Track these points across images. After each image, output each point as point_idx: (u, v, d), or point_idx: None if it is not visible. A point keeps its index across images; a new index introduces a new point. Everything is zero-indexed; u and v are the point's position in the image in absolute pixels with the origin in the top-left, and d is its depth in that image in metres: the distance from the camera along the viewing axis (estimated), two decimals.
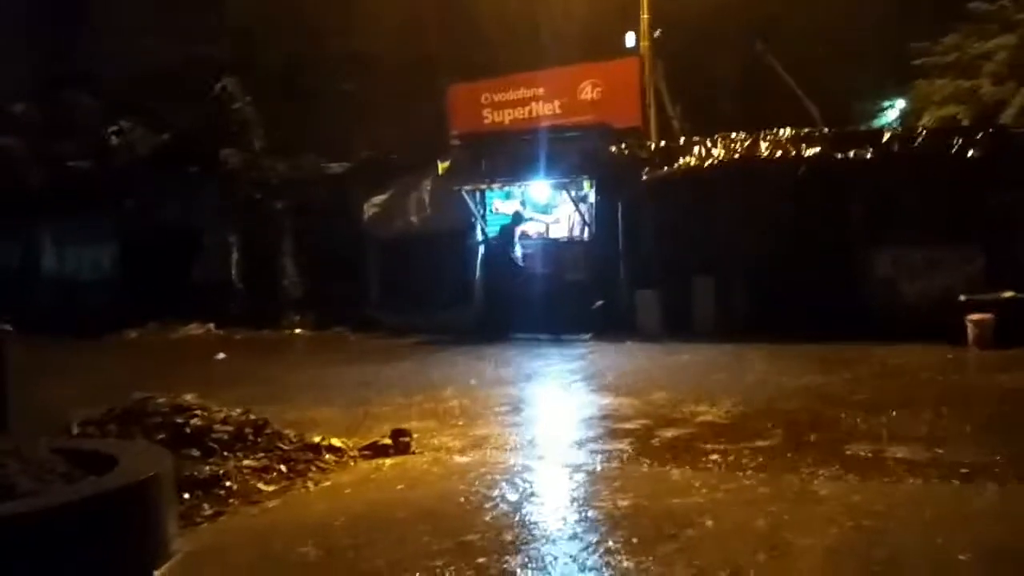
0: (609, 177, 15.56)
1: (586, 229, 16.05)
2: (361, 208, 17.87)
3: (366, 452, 7.45)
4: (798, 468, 6.57)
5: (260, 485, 6.55)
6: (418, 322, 16.50)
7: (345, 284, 17.82)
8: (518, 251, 15.92)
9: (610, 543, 5.24)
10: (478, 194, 16.74)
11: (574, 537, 5.38)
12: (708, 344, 13.11)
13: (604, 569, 4.91)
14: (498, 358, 13.08)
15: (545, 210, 17.28)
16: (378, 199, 17.83)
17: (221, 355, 14.32)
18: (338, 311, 17.45)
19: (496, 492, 6.30)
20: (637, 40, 19.13)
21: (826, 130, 15.00)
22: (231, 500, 6.28)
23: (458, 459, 7.28)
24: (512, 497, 6.18)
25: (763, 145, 14.48)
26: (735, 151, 14.63)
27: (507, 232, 16.14)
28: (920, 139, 13.85)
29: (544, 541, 5.33)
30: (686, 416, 8.51)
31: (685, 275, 14.48)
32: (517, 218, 16.29)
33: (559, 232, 16.77)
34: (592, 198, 16.00)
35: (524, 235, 16.38)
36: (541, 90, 18.30)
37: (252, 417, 7.48)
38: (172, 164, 19.64)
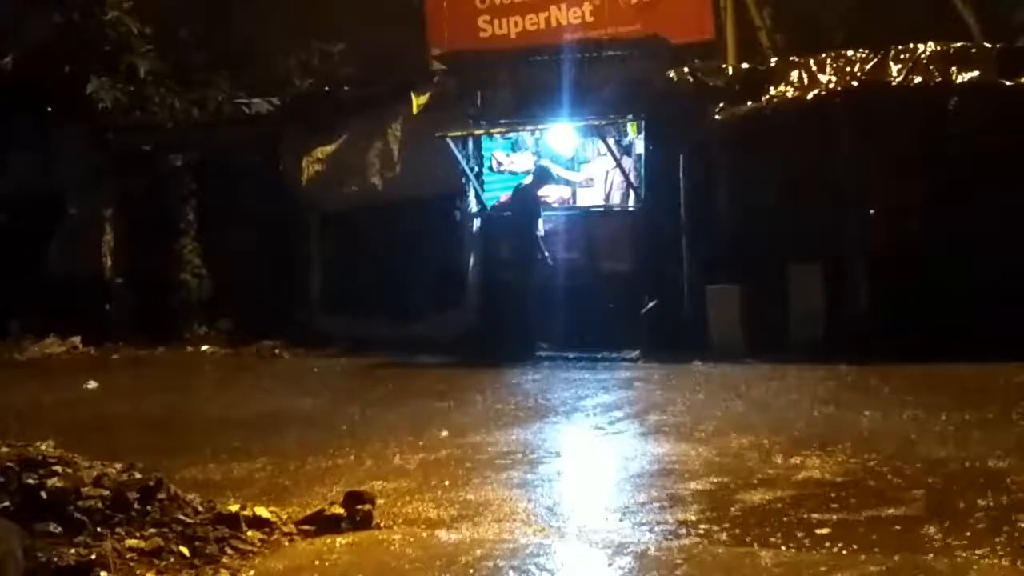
0: (666, 117, 15.56)
1: (632, 194, 16.08)
2: (299, 165, 17.91)
3: (307, 526, 7.47)
4: (949, 548, 6.59)
5: None
6: (383, 334, 16.53)
7: (276, 278, 17.86)
8: (541, 227, 15.90)
9: None
10: (471, 142, 16.76)
11: None
12: (813, 365, 13.11)
13: None
14: (503, 387, 13.09)
15: (571, 167, 17.30)
16: (323, 151, 17.85)
17: (92, 384, 14.36)
18: (266, 318, 17.49)
19: None
20: None
21: (987, 45, 14.98)
22: None
23: (444, 536, 7.31)
24: None
25: (894, 68, 14.46)
26: (853, 76, 14.61)
27: (526, 198, 16.01)
28: None
29: None
30: (781, 472, 8.52)
31: (779, 263, 14.48)
32: (541, 176, 16.14)
33: (592, 199, 16.80)
34: (641, 148, 16.01)
35: (544, 203, 16.40)
36: None
37: (138, 475, 7.50)
38: (14, 99, 19.62)
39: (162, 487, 7.47)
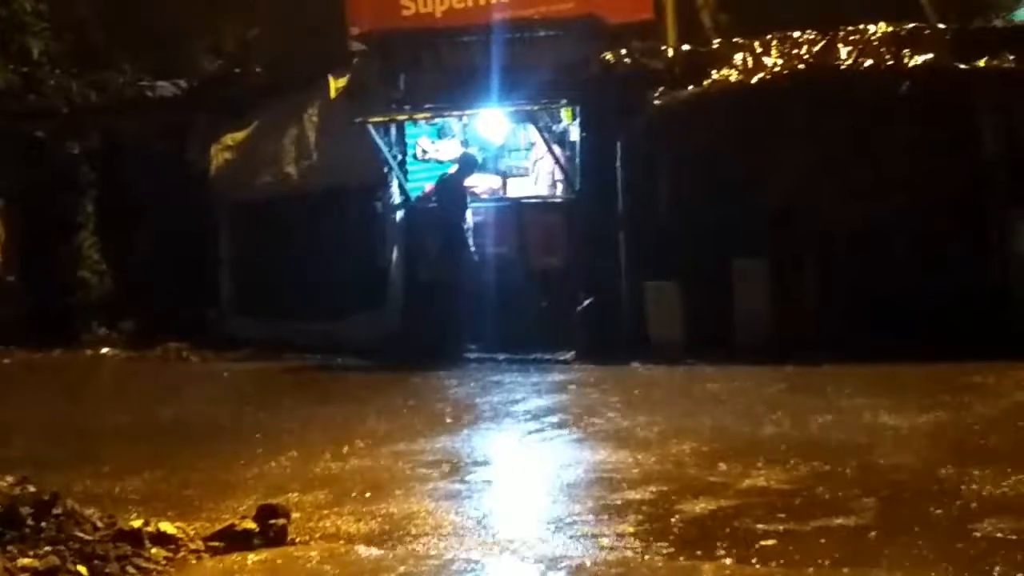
0: (602, 102, 15.61)
1: (565, 184, 16.10)
2: (207, 153, 17.81)
3: (216, 543, 7.41)
4: (900, 561, 6.64)
5: None
6: (300, 335, 16.49)
7: (182, 275, 17.75)
8: (469, 219, 15.91)
9: None
10: (394, 129, 16.73)
11: None
12: (758, 366, 13.18)
13: None
14: (428, 391, 13.09)
15: (503, 156, 17.31)
16: (234, 138, 17.78)
17: None
18: (172, 319, 17.40)
19: None
20: None
21: (941, 26, 15.15)
22: None
23: (364, 552, 7.28)
24: None
25: (843, 50, 14.58)
26: (799, 59, 14.72)
27: (451, 188, 16.07)
28: None
29: None
30: (724, 479, 8.56)
31: (722, 257, 14.56)
32: (467, 165, 16.22)
33: (523, 189, 16.82)
34: (575, 135, 16.05)
35: (471, 194, 16.40)
36: None
37: (32, 489, 7.42)
38: None
39: (58, 501, 7.38)
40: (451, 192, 15.98)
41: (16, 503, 7.23)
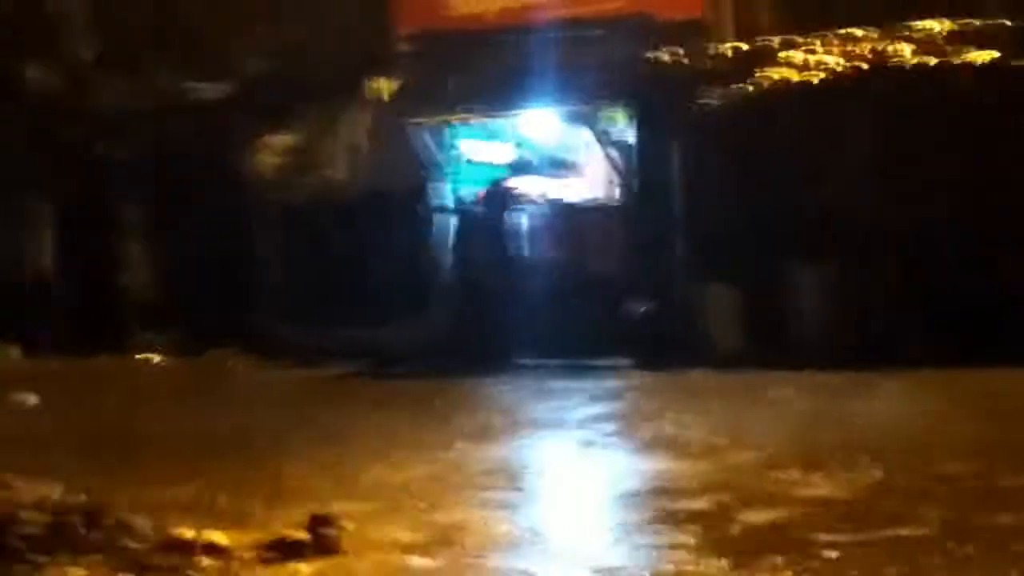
0: (655, 103, 15.62)
1: (621, 188, 16.09)
2: (252, 156, 17.88)
3: (268, 553, 7.44)
4: (968, 570, 6.62)
5: None
6: (346, 341, 16.53)
7: (228, 281, 17.83)
8: (521, 223, 15.94)
9: None
10: (443, 131, 16.75)
11: None
12: (818, 371, 13.14)
13: None
14: (479, 399, 13.10)
15: (554, 158, 17.31)
16: (279, 141, 17.84)
17: (29, 398, 14.30)
18: (217, 325, 17.44)
19: None
20: None
21: (1007, 23, 15.05)
22: None
23: (417, 563, 7.29)
24: None
25: (905, 47, 14.52)
26: (859, 57, 14.68)
27: (503, 192, 16.14)
28: None
29: None
30: (785, 489, 8.53)
31: (783, 261, 14.54)
32: (519, 168, 16.26)
33: (578, 193, 16.82)
34: (629, 135, 16.05)
35: (521, 197, 16.41)
36: None
37: (82, 498, 7.48)
38: None
39: (108, 511, 7.44)
40: (502, 196, 16.00)
41: (66, 513, 7.30)
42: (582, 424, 11.51)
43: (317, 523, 7.64)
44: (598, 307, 15.50)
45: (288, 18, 21.13)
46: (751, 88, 15.04)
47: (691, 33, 16.62)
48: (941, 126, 14.27)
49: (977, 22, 14.87)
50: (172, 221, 18.44)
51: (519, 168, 16.20)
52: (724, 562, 7.05)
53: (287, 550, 7.48)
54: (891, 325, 14.08)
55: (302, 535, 7.57)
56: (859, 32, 14.85)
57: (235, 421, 12.52)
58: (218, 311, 17.67)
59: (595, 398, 12.85)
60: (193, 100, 18.93)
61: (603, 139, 16.25)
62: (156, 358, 17.64)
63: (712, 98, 15.14)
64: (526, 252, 15.98)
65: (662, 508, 8.25)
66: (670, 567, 7.00)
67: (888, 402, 11.55)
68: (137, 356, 17.70)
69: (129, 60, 19.78)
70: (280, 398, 13.99)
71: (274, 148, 17.90)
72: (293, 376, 15.64)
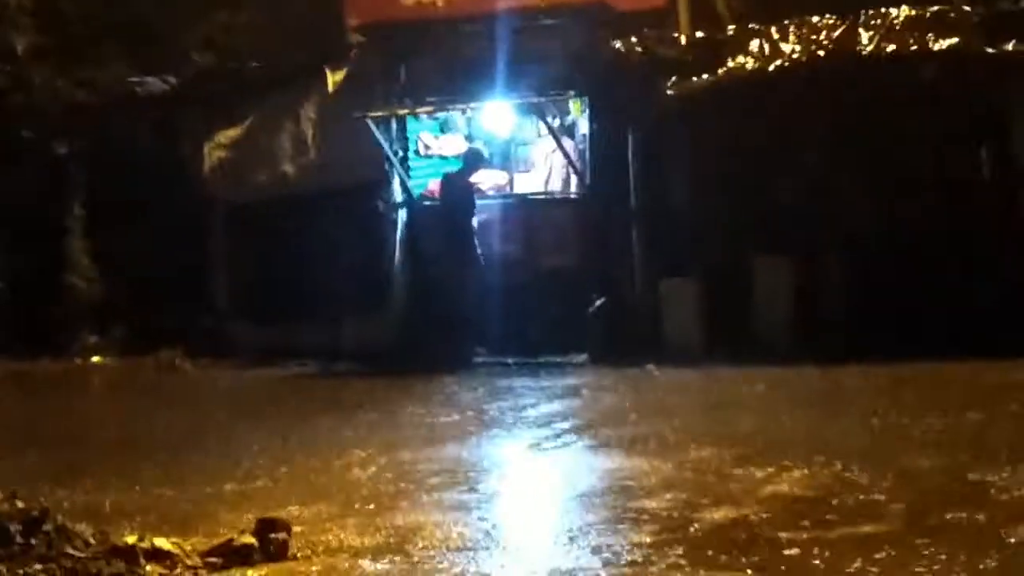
0: (612, 93, 15.61)
1: (579, 181, 16.09)
2: (200, 152, 17.81)
3: (215, 558, 7.39)
4: (929, 569, 6.63)
5: None
6: (298, 341, 16.49)
7: (175, 280, 17.73)
8: (475, 218, 15.88)
9: None
10: (395, 124, 16.72)
11: None
12: (780, 367, 13.19)
13: None
14: (435, 398, 13.10)
15: (510, 152, 17.29)
16: (227, 136, 17.76)
17: None
18: (166, 325, 17.37)
19: None
20: None
21: (967, 8, 15.11)
22: None
23: (369, 566, 7.27)
24: None
25: (864, 35, 14.56)
26: (819, 45, 14.70)
27: (457, 186, 16.00)
28: None
29: None
30: (746, 486, 8.54)
31: (741, 254, 14.57)
32: (473, 161, 16.16)
33: (531, 185, 16.81)
34: (585, 128, 16.04)
35: (476, 192, 16.38)
36: None
37: (21, 505, 7.41)
38: None
39: (48, 517, 7.36)
40: (457, 190, 15.94)
41: (4, 520, 7.22)
42: (539, 422, 11.54)
43: (265, 527, 7.60)
44: (555, 303, 15.52)
45: (237, 9, 21.06)
46: (711, 78, 15.05)
47: (650, 22, 16.60)
48: (902, 115, 14.31)
49: (937, 8, 14.90)
50: (118, 218, 18.30)
51: (473, 162, 16.11)
52: (683, 562, 7.05)
53: (234, 555, 7.44)
54: (854, 319, 14.11)
55: (249, 540, 7.52)
56: (817, 19, 14.85)
57: (182, 423, 12.49)
58: (166, 310, 17.57)
59: (552, 396, 12.88)
60: (139, 94, 18.79)
61: (560, 132, 16.22)
62: (100, 360, 17.55)
63: (672, 89, 15.13)
64: (481, 247, 15.91)
65: (621, 507, 8.26)
66: (627, 568, 7.00)
67: (852, 397, 11.58)
68: (80, 359, 17.60)
69: (71, 53, 19.63)
70: (229, 398, 13.98)
71: (223, 143, 17.77)
72: (243, 376, 15.62)
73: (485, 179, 16.63)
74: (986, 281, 13.79)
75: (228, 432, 11.76)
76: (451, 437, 10.97)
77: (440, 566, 7.24)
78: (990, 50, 14.10)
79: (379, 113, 16.31)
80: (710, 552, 7.16)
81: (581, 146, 16.21)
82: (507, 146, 17.27)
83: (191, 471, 10.01)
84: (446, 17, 17.61)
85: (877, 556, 6.88)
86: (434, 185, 16.69)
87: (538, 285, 15.77)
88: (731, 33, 15.55)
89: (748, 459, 9.29)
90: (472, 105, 16.52)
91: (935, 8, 14.77)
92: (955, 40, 14.24)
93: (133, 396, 14.93)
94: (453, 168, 16.34)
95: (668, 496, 8.41)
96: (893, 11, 14.57)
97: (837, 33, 14.69)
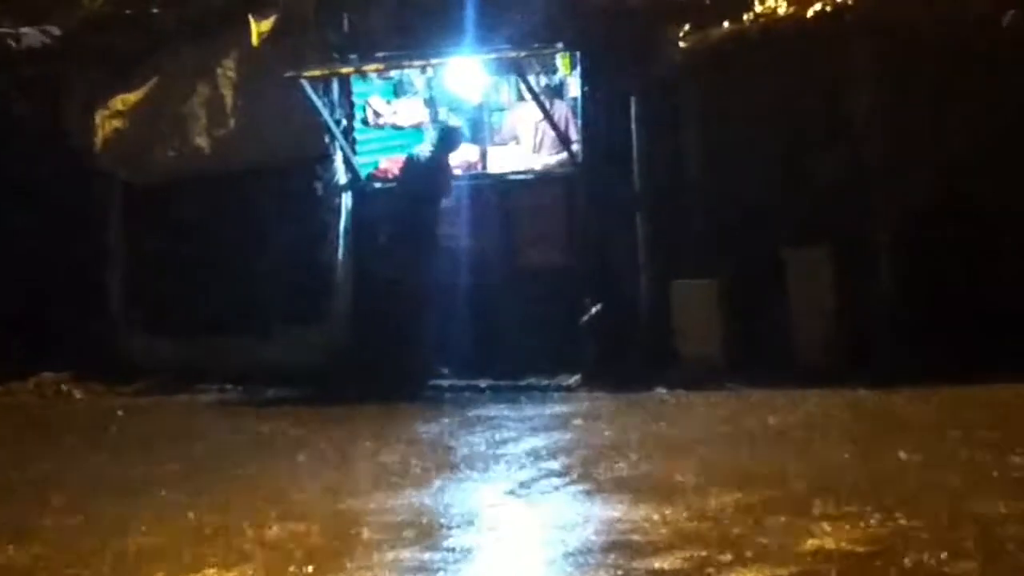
0: (611, 45, 15.66)
1: (567, 156, 16.11)
2: (91, 120, 17.81)
3: None
4: None
5: None
6: (217, 359, 16.52)
7: (62, 282, 17.73)
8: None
9: None
10: (337, 86, 16.75)
11: None
12: (820, 388, 13.28)
13: None
14: (389, 430, 13.13)
15: (482, 121, 17.28)
16: (125, 101, 17.76)
17: None
18: (49, 339, 17.36)
19: None
20: None
21: None
22: None
23: None
24: None
25: None
26: None
27: (426, 169, 15.87)
28: None
29: None
30: (781, 540, 8.56)
31: (771, 246, 14.61)
32: (449, 140, 16.01)
33: (509, 162, 16.82)
34: (575, 90, 16.08)
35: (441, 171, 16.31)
36: None
37: None
38: None
39: None
40: (426, 174, 15.74)
41: None
42: (521, 461, 11.54)
43: None
44: (539, 310, 15.54)
45: None
46: (733, 26, 15.09)
47: None
48: (975, 71, 14.32)
49: None
50: None
51: (448, 142, 15.97)
52: None
53: None
54: (910, 327, 14.14)
55: None
56: None
57: (69, 463, 12.48)
58: (49, 321, 17.55)
59: (537, 427, 12.92)
60: (11, 48, 18.77)
61: (543, 95, 16.23)
62: None
63: (684, 40, 15.17)
64: (448, 241, 15.89)
65: (624, 568, 8.27)
66: None
67: (909, 426, 11.62)
68: None
69: None
70: (130, 431, 13.93)
71: (119, 110, 17.74)
72: (149, 403, 15.61)
73: (453, 157, 16.53)
74: None
75: (128, 474, 11.74)
76: (409, 480, 10.98)
77: None
78: None
79: (317, 72, 16.30)
80: None
81: (571, 113, 16.21)
82: (478, 113, 17.24)
83: (83, 523, 10.00)
84: None
85: None
86: (387, 164, 16.70)
87: (518, 288, 15.81)
88: None
89: (782, 506, 9.32)
90: (434, 62, 16.47)
91: None
92: None
93: (6, 430, 14.86)
94: (421, 148, 16.20)
95: (683, 554, 8.42)
96: None
97: None
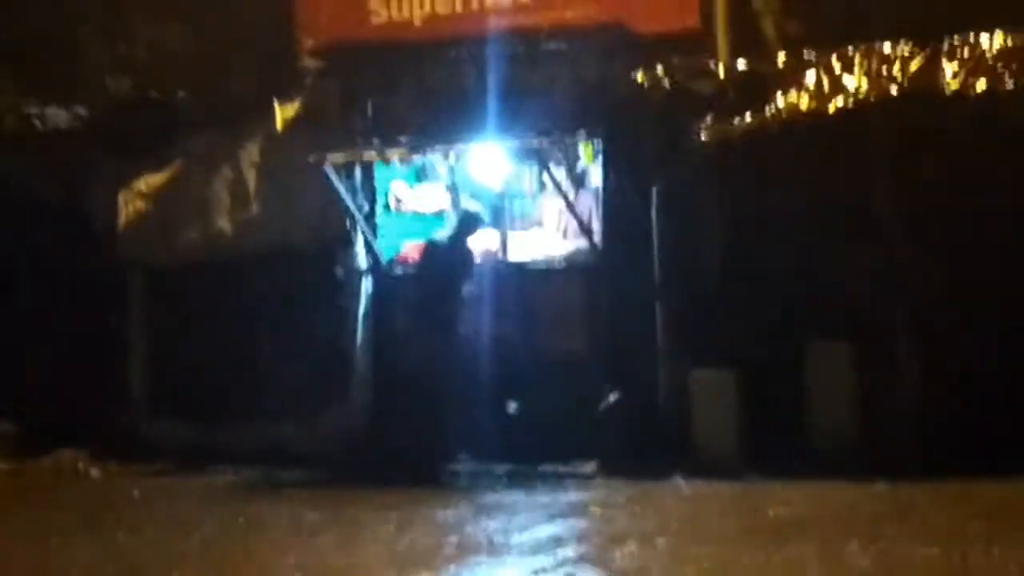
0: (633, 135, 15.70)
1: (588, 244, 16.11)
2: (113, 202, 17.83)
3: None
4: None
5: None
6: (233, 441, 16.49)
7: (83, 363, 17.73)
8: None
9: None
10: (360, 171, 16.75)
11: None
12: (841, 483, 13.22)
13: None
14: (405, 516, 13.05)
15: (504, 207, 17.28)
16: (149, 183, 17.83)
17: None
18: (67, 420, 17.36)
19: None
20: None
21: None
22: None
23: None
24: None
25: (948, 68, 14.62)
26: (891, 80, 14.77)
27: (447, 254, 15.87)
28: None
29: None
30: None
31: (791, 339, 14.57)
32: (469, 224, 16.04)
33: (529, 250, 16.83)
34: (597, 179, 16.08)
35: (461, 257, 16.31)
36: None
37: None
38: None
39: None
40: (447, 259, 15.74)
41: None
42: (536, 548, 11.46)
43: None
44: (557, 398, 15.50)
45: (164, 23, 21.13)
46: (755, 119, 15.10)
47: (680, 49, 16.62)
48: (995, 167, 14.32)
49: None
50: (5, 286, 18.26)
51: (468, 226, 15.96)
52: None
53: None
54: (934, 421, 14.06)
55: None
56: (889, 48, 14.90)
57: (80, 547, 12.42)
58: (68, 400, 17.53)
59: (553, 514, 12.85)
60: (37, 129, 18.85)
61: (566, 182, 16.24)
62: None
63: (706, 132, 15.19)
64: (466, 326, 15.88)
65: None
66: None
67: (938, 524, 11.51)
68: None
69: None
70: (144, 514, 13.87)
71: (143, 191, 17.80)
72: (163, 484, 15.57)
73: (474, 243, 16.53)
74: None
75: (138, 560, 11.69)
76: (423, 567, 10.91)
77: None
78: None
79: (340, 157, 16.32)
80: None
81: (594, 201, 16.21)
82: (500, 200, 17.23)
83: None
84: (425, 39, 17.69)
85: None
86: (408, 249, 16.70)
87: (537, 376, 15.81)
88: (781, 63, 15.60)
89: None
90: (457, 148, 16.49)
91: None
92: None
93: (19, 512, 14.82)
94: (441, 233, 16.24)
95: None
96: (984, 39, 14.61)
97: (914, 65, 14.75)
